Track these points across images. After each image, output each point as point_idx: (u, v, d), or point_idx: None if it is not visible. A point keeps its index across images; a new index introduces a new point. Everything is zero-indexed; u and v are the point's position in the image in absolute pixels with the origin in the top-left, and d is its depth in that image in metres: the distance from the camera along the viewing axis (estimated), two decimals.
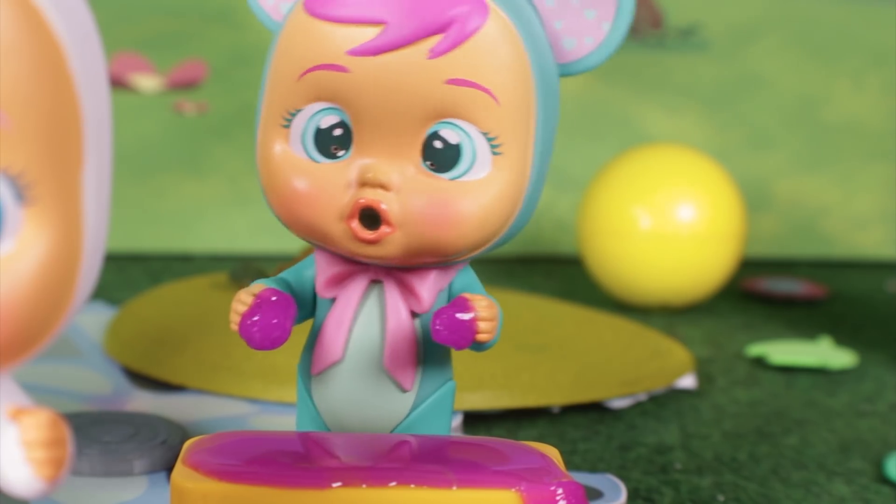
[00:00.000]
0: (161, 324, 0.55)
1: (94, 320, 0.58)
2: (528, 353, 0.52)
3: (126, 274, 0.72)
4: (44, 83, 0.24)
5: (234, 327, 0.33)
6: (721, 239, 0.67)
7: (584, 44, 0.34)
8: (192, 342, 0.52)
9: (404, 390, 0.35)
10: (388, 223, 0.33)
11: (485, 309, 0.33)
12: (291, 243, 0.76)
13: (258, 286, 0.34)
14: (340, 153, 0.33)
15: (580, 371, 0.51)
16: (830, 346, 0.61)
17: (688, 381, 0.54)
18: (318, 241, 0.34)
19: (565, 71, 0.35)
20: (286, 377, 0.49)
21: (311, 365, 0.36)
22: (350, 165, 0.33)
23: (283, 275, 0.35)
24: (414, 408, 0.35)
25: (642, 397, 0.52)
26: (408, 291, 0.35)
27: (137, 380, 0.51)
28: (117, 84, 0.78)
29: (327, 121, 0.33)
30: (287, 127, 0.34)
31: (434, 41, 0.32)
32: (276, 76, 0.34)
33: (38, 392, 0.47)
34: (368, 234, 0.33)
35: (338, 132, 0.33)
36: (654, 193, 0.67)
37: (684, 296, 0.68)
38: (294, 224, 0.34)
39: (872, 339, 0.65)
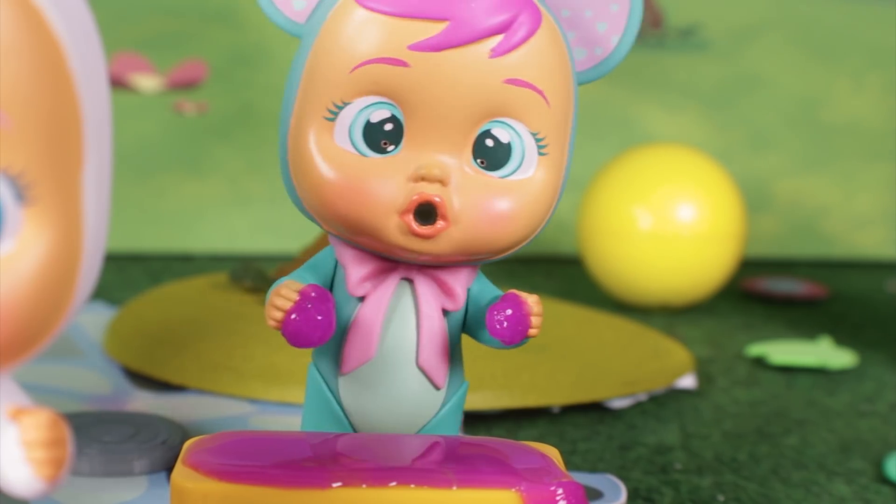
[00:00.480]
0: (161, 324, 0.55)
1: (94, 320, 0.58)
2: (528, 353, 0.52)
3: (126, 274, 0.72)
4: (44, 83, 0.24)
5: (274, 324, 0.33)
6: (721, 239, 0.67)
7: (593, 55, 0.35)
8: (192, 342, 0.52)
9: (438, 388, 0.35)
10: (445, 218, 0.33)
11: (535, 304, 0.34)
12: (291, 243, 0.76)
13: (296, 283, 0.33)
14: (390, 148, 0.33)
15: (580, 371, 0.51)
16: (830, 346, 0.61)
17: (688, 381, 0.54)
18: (359, 236, 0.34)
19: (578, 80, 0.35)
20: (286, 377, 0.49)
21: (337, 363, 0.35)
22: (402, 160, 0.33)
23: (301, 272, 0.35)
24: (443, 406, 0.36)
25: (642, 397, 0.52)
26: (441, 289, 0.35)
27: (137, 380, 0.51)
28: (117, 84, 0.78)
29: (378, 115, 0.33)
30: (332, 120, 0.33)
31: (494, 41, 0.33)
32: (320, 68, 0.33)
33: (38, 392, 0.47)
34: (424, 230, 0.33)
35: (388, 127, 0.33)
36: (654, 193, 0.67)
37: (684, 296, 0.68)
38: (334, 218, 0.34)
39: (872, 339, 0.65)
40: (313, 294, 0.33)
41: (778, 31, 0.84)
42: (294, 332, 0.32)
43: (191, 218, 0.80)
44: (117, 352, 0.53)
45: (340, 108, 0.33)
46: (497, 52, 0.33)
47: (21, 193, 0.24)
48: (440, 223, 0.33)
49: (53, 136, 0.24)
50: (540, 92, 0.33)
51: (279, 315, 0.33)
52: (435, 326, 0.35)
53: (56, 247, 0.24)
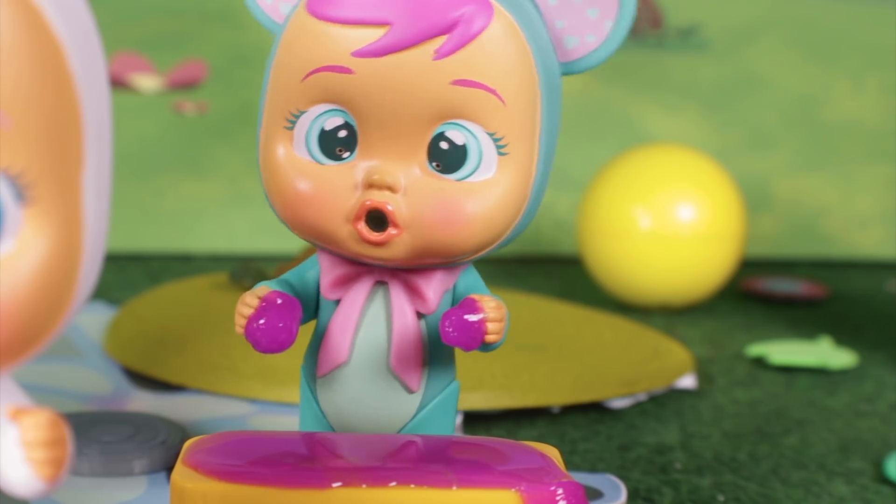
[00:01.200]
0: (161, 324, 0.55)
1: (94, 320, 0.58)
2: (528, 353, 0.52)
3: (126, 274, 0.72)
4: (44, 83, 0.24)
5: (240, 330, 0.33)
6: (721, 239, 0.67)
7: (586, 42, 0.34)
8: (192, 342, 0.52)
9: (411, 391, 0.35)
10: (395, 225, 0.33)
11: (493, 310, 0.33)
12: (291, 243, 0.76)
13: (263, 288, 0.34)
14: (345, 155, 0.33)
15: (580, 371, 0.51)
16: (830, 346, 0.61)
17: (688, 381, 0.54)
18: (322, 243, 0.34)
19: (567, 69, 0.35)
20: (286, 377, 0.49)
21: (315, 367, 0.35)
22: (355, 167, 0.33)
23: (286, 276, 0.35)
24: (420, 408, 0.35)
25: (642, 397, 0.52)
26: (413, 292, 0.35)
27: (137, 380, 0.51)
28: (117, 84, 0.78)
29: (332, 122, 0.33)
30: (290, 129, 0.33)
31: (439, 42, 0.32)
32: (279, 78, 0.33)
33: (38, 392, 0.47)
34: (375, 236, 0.33)
35: (342, 134, 0.33)
36: (654, 193, 0.67)
37: (684, 296, 0.68)
38: (298, 226, 0.34)
39: (872, 339, 0.65)
40: (278, 301, 0.33)
41: (778, 31, 0.84)
42: (255, 339, 0.33)
43: (191, 218, 0.80)
44: (117, 352, 0.53)
45: (297, 117, 0.33)
46: (441, 53, 0.32)
47: (21, 193, 0.24)
48: (391, 230, 0.33)
49: (53, 136, 0.24)
50: (492, 91, 0.32)
51: (243, 321, 0.33)
52: (408, 329, 0.35)
53: (56, 247, 0.24)
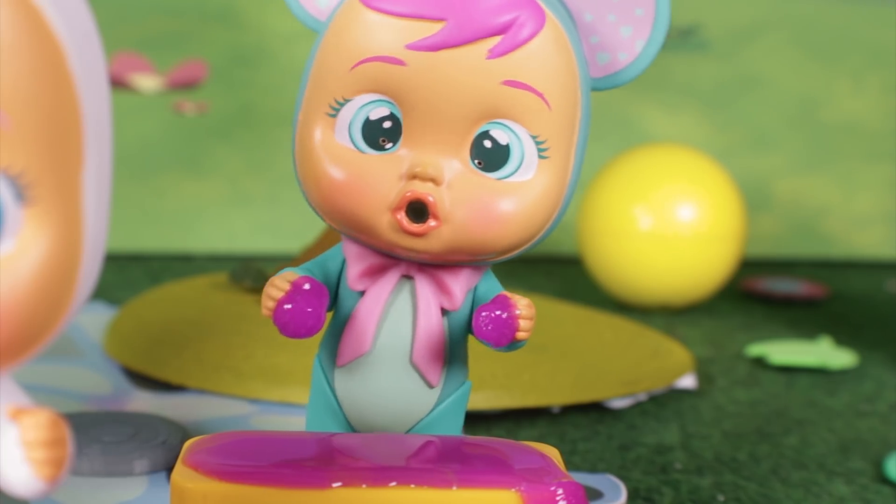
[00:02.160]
0: (161, 324, 0.55)
1: (94, 320, 0.58)
2: (528, 353, 0.52)
3: (126, 274, 0.72)
4: (44, 83, 0.24)
5: (267, 313, 0.33)
6: (721, 239, 0.67)
7: (617, 60, 0.35)
8: (192, 342, 0.52)
9: (431, 386, 0.35)
10: (436, 217, 0.33)
11: (525, 308, 0.33)
12: (291, 243, 0.76)
13: (291, 274, 0.34)
14: (388, 145, 0.34)
15: (580, 371, 0.51)
16: (830, 346, 0.61)
17: (688, 381, 0.54)
18: (356, 232, 0.34)
19: (596, 85, 0.35)
20: (286, 377, 0.49)
21: (335, 356, 0.35)
22: (398, 158, 0.33)
23: (308, 265, 0.35)
24: (437, 405, 0.36)
25: (642, 397, 0.52)
26: (440, 288, 0.35)
27: (137, 380, 0.51)
28: (117, 84, 0.78)
29: (377, 112, 0.33)
30: (333, 116, 0.34)
31: (493, 42, 0.33)
32: (325, 65, 0.34)
33: (38, 392, 0.47)
34: (415, 227, 0.33)
35: (387, 124, 0.33)
36: (654, 193, 0.67)
37: (684, 296, 0.68)
38: (334, 213, 0.34)
39: (872, 339, 0.65)
40: (306, 286, 0.33)
41: (778, 31, 0.84)
42: (284, 322, 0.33)
43: (191, 218, 0.80)
44: (117, 352, 0.53)
45: (342, 105, 0.34)
46: (495, 54, 0.33)
47: (21, 193, 0.24)
48: (431, 222, 0.33)
49: (53, 136, 0.24)
50: (540, 94, 0.33)
51: (272, 304, 0.33)
52: (432, 325, 0.35)
53: (56, 247, 0.24)
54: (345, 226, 0.34)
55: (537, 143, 0.33)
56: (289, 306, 0.33)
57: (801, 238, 0.85)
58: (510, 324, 0.33)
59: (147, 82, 0.79)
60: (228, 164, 0.80)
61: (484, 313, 0.33)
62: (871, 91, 0.85)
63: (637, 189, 0.67)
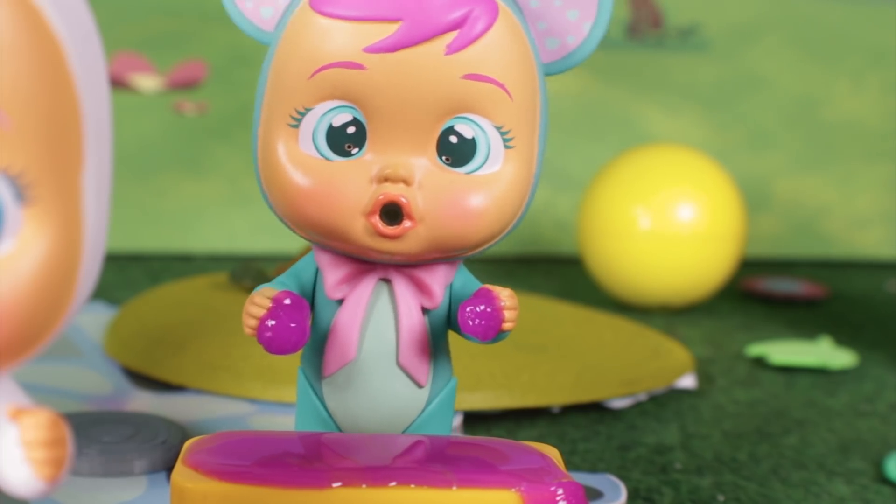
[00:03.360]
0: (161, 324, 0.55)
1: (94, 320, 0.58)
2: (528, 353, 0.52)
3: (126, 274, 0.72)
4: (44, 83, 0.24)
5: (250, 332, 0.33)
6: (721, 239, 0.67)
7: (566, 43, 0.35)
8: (192, 342, 0.52)
9: (420, 386, 0.35)
10: (411, 217, 0.33)
11: (508, 298, 0.34)
12: (291, 243, 0.76)
13: (270, 290, 0.34)
14: (354, 151, 0.33)
15: (580, 371, 0.51)
16: (830, 346, 0.61)
17: (688, 381, 0.54)
18: (329, 240, 0.34)
19: (548, 70, 0.35)
20: (285, 377, 0.49)
21: (320, 367, 0.35)
22: (366, 162, 0.33)
23: (282, 279, 0.35)
24: (427, 404, 0.36)
25: (642, 397, 0.52)
26: (419, 288, 0.35)
27: (137, 380, 0.51)
28: (117, 84, 0.78)
29: (340, 119, 0.33)
30: (295, 126, 0.34)
31: (450, 38, 0.33)
32: (282, 75, 0.34)
33: (38, 392, 0.47)
34: (391, 230, 0.33)
35: (351, 130, 0.33)
36: (654, 193, 0.67)
37: (684, 296, 0.68)
38: (304, 223, 0.34)
39: (872, 339, 0.65)
40: (287, 301, 0.33)
41: (778, 31, 0.84)
42: (268, 339, 0.33)
43: (191, 218, 0.80)
44: (117, 352, 0.53)
45: (303, 115, 0.33)
46: (453, 49, 0.33)
47: (21, 193, 0.24)
48: (406, 223, 0.33)
49: (53, 136, 0.24)
50: (501, 85, 0.33)
51: (254, 322, 0.33)
52: (415, 325, 0.35)
53: (56, 247, 0.24)
54: (317, 234, 0.34)
55: (502, 134, 0.34)
56: (272, 323, 0.33)
57: (801, 238, 0.85)
58: (496, 316, 0.33)
59: (147, 82, 0.79)
60: (228, 164, 0.80)
61: (469, 308, 0.33)
62: (871, 91, 0.85)
63: (637, 189, 0.67)
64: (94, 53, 0.25)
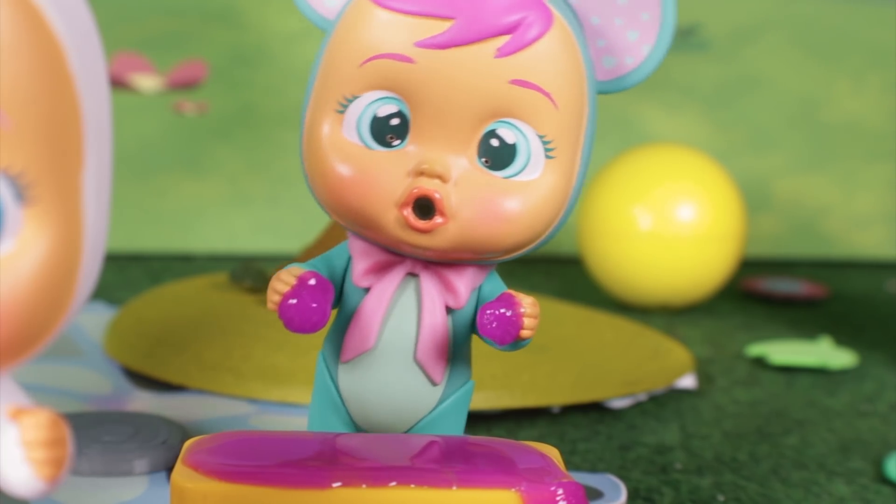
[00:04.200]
0: (161, 324, 0.55)
1: (94, 320, 0.58)
2: (528, 353, 0.52)
3: (126, 274, 0.72)
4: (44, 83, 0.24)
5: (273, 307, 0.33)
6: (721, 239, 0.67)
7: (623, 63, 0.35)
8: (192, 342, 0.52)
9: (434, 384, 0.35)
10: (442, 213, 0.33)
11: (530, 306, 0.34)
12: (291, 243, 0.76)
13: (297, 269, 0.34)
14: (396, 142, 0.34)
15: (580, 371, 0.51)
16: (830, 346, 0.61)
17: (688, 381, 0.54)
18: (363, 228, 0.34)
19: (602, 88, 0.35)
20: (286, 377, 0.49)
21: (339, 352, 0.36)
22: (406, 155, 0.34)
23: (314, 262, 0.36)
24: (440, 402, 0.36)
25: (642, 397, 0.52)
26: (445, 286, 0.35)
27: (137, 380, 0.51)
28: (117, 84, 0.78)
29: (385, 109, 0.34)
30: (341, 112, 0.34)
31: (501, 41, 0.33)
32: (334, 62, 0.34)
33: (38, 392, 0.47)
34: (422, 224, 0.33)
35: (395, 122, 0.34)
36: (654, 193, 0.67)
37: (684, 296, 0.68)
38: (340, 209, 0.34)
39: (872, 339, 0.65)
40: (312, 281, 0.33)
41: (778, 31, 0.84)
42: (289, 317, 0.33)
43: (191, 218, 0.80)
44: (117, 352, 0.53)
45: (350, 102, 0.34)
46: (503, 53, 0.33)
47: (21, 193, 0.24)
48: (438, 218, 0.33)
49: (53, 136, 0.24)
50: (547, 94, 0.33)
51: (277, 298, 0.33)
52: (436, 322, 0.35)
53: (56, 247, 0.24)
54: (351, 222, 0.34)
55: (544, 143, 0.34)
56: (294, 301, 0.33)
57: (801, 238, 0.85)
58: (515, 322, 0.33)
59: (147, 82, 0.79)
60: (228, 164, 0.80)
61: (489, 311, 0.34)
62: (871, 91, 0.85)
63: (637, 189, 0.67)
64: (94, 53, 0.25)
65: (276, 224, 0.80)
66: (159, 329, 0.54)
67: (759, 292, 0.73)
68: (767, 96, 0.84)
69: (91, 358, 0.54)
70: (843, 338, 0.64)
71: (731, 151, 0.83)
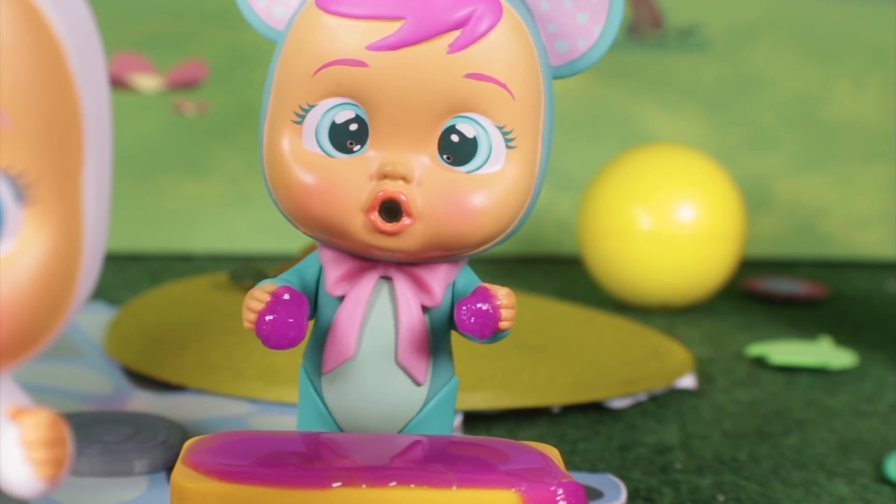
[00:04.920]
0: (161, 324, 0.55)
1: (94, 320, 0.58)
2: (528, 353, 0.52)
3: (126, 274, 0.72)
4: (44, 83, 0.24)
5: (249, 326, 0.33)
6: (721, 239, 0.67)
7: (576, 46, 0.35)
8: (192, 342, 0.52)
9: (418, 384, 0.35)
10: (409, 215, 0.33)
11: (506, 297, 0.34)
12: (291, 243, 0.76)
13: (269, 285, 0.34)
14: (356, 148, 0.34)
15: (580, 371, 0.51)
16: (830, 346, 0.61)
17: (688, 381, 0.54)
18: (331, 236, 0.34)
19: (557, 73, 0.35)
20: (286, 377, 0.49)
21: (320, 364, 0.36)
22: (367, 159, 0.33)
23: (285, 275, 0.35)
24: (426, 402, 0.36)
25: (642, 397, 0.52)
26: (419, 286, 0.35)
27: (137, 380, 0.51)
28: (117, 84, 0.78)
29: (343, 116, 0.34)
30: (299, 123, 0.34)
31: (452, 37, 0.33)
32: (287, 73, 0.34)
33: (38, 392, 0.47)
34: (389, 226, 0.33)
35: (353, 127, 0.34)
36: (654, 193, 0.67)
37: (684, 296, 0.68)
38: (306, 219, 0.34)
39: (872, 339, 0.65)
40: (286, 297, 0.33)
41: (778, 31, 0.84)
42: (266, 334, 0.33)
43: (191, 218, 0.80)
44: (117, 352, 0.53)
45: (307, 111, 0.34)
46: (455, 48, 0.33)
47: (21, 193, 0.24)
48: (405, 220, 0.33)
49: (53, 136, 0.24)
50: (503, 85, 0.33)
51: (252, 316, 0.33)
52: (414, 323, 0.35)
53: (56, 247, 0.24)
54: (318, 230, 0.34)
55: (504, 134, 0.34)
56: (270, 317, 0.33)
57: (801, 238, 0.85)
58: (493, 315, 0.33)
59: (147, 82, 0.79)
60: (228, 164, 0.80)
61: (465, 307, 0.34)
62: (871, 91, 0.85)
63: (637, 189, 0.67)
64: (94, 53, 0.25)
65: (276, 224, 0.79)
66: (159, 329, 0.54)
67: (759, 292, 0.73)
68: (767, 96, 0.84)
69: (91, 358, 0.54)
70: (843, 338, 0.64)
71: (730, 151, 0.83)
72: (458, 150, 0.34)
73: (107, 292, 0.65)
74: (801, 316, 0.69)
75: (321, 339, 0.35)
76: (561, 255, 0.81)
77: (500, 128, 0.34)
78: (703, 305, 0.70)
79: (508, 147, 0.34)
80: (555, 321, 0.59)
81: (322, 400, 0.36)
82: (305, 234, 0.35)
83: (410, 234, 0.33)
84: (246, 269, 0.61)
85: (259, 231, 0.80)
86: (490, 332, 0.33)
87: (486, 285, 0.34)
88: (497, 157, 0.34)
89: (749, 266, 0.79)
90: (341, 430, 0.36)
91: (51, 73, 0.24)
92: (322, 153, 0.34)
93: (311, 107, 0.34)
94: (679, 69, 0.83)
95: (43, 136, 0.24)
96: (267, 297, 0.33)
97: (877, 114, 0.85)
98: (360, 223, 0.33)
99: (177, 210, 0.80)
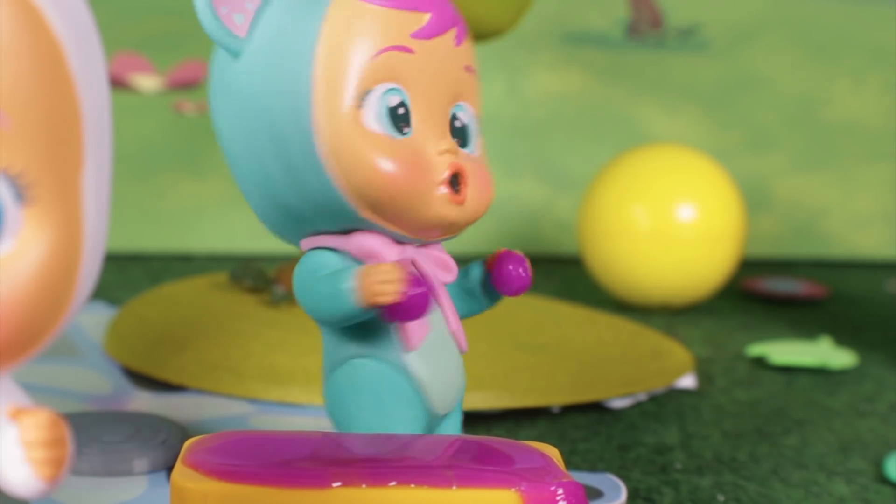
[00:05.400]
0: (161, 324, 0.55)
1: (94, 320, 0.58)
2: (528, 353, 0.52)
3: (126, 274, 0.72)
4: (44, 83, 0.24)
5: (389, 299, 0.33)
6: (721, 239, 0.67)
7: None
8: (191, 342, 0.52)
9: (462, 352, 0.37)
10: (466, 184, 0.35)
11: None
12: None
13: (388, 263, 0.34)
14: (406, 130, 0.35)
15: (580, 371, 0.51)
16: (830, 346, 0.61)
17: (688, 381, 0.54)
18: (403, 215, 0.35)
19: None
20: (285, 377, 0.49)
21: (397, 344, 0.36)
22: (420, 139, 0.35)
23: (348, 265, 0.36)
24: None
25: (642, 397, 0.52)
26: (440, 264, 0.36)
27: (137, 380, 0.51)
28: (117, 84, 0.78)
29: (393, 100, 0.35)
30: (361, 108, 0.34)
31: (455, 31, 0.35)
32: (341, 59, 0.34)
33: (38, 392, 0.47)
34: (458, 196, 0.35)
35: (402, 111, 0.35)
36: (654, 193, 0.67)
37: (684, 296, 0.68)
38: (387, 199, 0.34)
39: (872, 339, 0.65)
40: (413, 269, 0.34)
41: (778, 31, 0.84)
42: (407, 307, 0.34)
43: (191, 218, 0.80)
44: (117, 352, 0.53)
45: (367, 95, 0.34)
46: (459, 41, 0.35)
47: (21, 193, 0.24)
48: (464, 189, 0.35)
49: (53, 136, 0.24)
50: (475, 74, 0.36)
51: (392, 288, 0.33)
52: (447, 295, 0.37)
53: (56, 247, 0.24)
54: (393, 212, 0.35)
55: (477, 119, 0.36)
56: (418, 290, 0.34)
57: (801, 238, 0.85)
58: (529, 276, 0.38)
59: (147, 82, 0.79)
60: None
61: (510, 266, 0.37)
62: (871, 91, 0.85)
63: (637, 189, 0.67)
64: (94, 53, 0.25)
65: None
66: (159, 329, 0.54)
67: (759, 292, 0.73)
68: (767, 96, 0.84)
69: (91, 358, 0.54)
70: (843, 338, 0.64)
71: (730, 151, 0.83)
72: (461, 135, 0.36)
73: (107, 292, 0.65)
74: (801, 316, 0.69)
75: (380, 324, 0.35)
76: (561, 255, 0.81)
77: (476, 115, 0.36)
78: (703, 305, 0.70)
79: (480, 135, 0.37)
80: (555, 321, 0.59)
81: (409, 378, 0.36)
82: (364, 221, 0.35)
83: (468, 205, 0.35)
84: (246, 269, 0.61)
85: (259, 231, 0.80)
86: (525, 290, 0.37)
87: (507, 250, 0.37)
88: (476, 141, 0.36)
89: (749, 266, 0.79)
90: (429, 406, 0.36)
91: (50, 73, 0.24)
92: (390, 135, 0.34)
93: (369, 91, 0.34)
94: (679, 69, 0.83)
95: (43, 136, 0.24)
96: (402, 274, 0.34)
97: (877, 114, 0.85)
98: (440, 196, 0.34)
99: (177, 210, 0.80)
